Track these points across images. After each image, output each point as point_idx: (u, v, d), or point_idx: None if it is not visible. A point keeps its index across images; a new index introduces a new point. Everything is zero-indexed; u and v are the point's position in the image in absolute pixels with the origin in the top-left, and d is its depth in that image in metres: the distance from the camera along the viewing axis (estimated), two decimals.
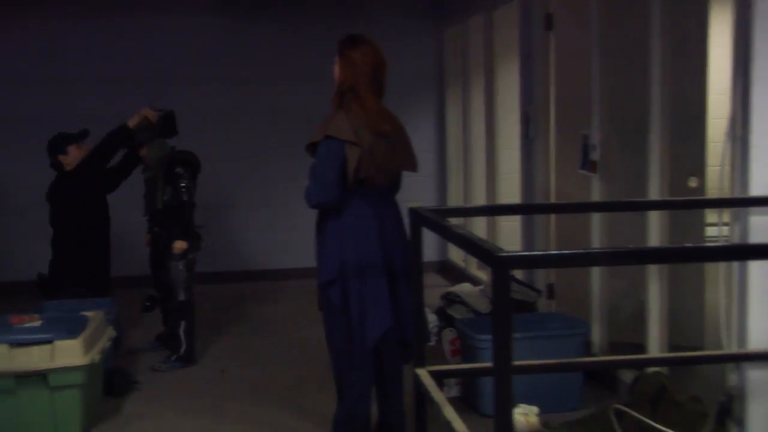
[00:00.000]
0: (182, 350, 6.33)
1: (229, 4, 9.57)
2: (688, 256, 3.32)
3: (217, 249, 8.96)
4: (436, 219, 2.92)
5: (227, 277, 9.45)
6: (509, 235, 7.66)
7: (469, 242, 2.49)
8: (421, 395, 3.33)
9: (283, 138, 9.08)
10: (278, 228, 9.57)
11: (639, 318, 5.28)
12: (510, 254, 2.27)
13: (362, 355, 4.37)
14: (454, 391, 5.34)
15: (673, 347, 5.12)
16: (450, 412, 2.99)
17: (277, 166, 9.40)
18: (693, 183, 5.65)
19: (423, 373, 3.33)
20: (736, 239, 4.21)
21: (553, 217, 6.53)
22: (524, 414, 4.73)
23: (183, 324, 6.32)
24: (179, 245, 6.20)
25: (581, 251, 2.74)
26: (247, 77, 9.49)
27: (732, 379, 4.25)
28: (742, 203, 4.09)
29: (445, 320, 6.13)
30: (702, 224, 5.97)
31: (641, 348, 5.19)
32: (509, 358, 2.26)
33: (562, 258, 2.52)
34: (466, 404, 5.18)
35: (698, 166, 5.72)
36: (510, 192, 7.55)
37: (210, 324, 7.37)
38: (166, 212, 6.31)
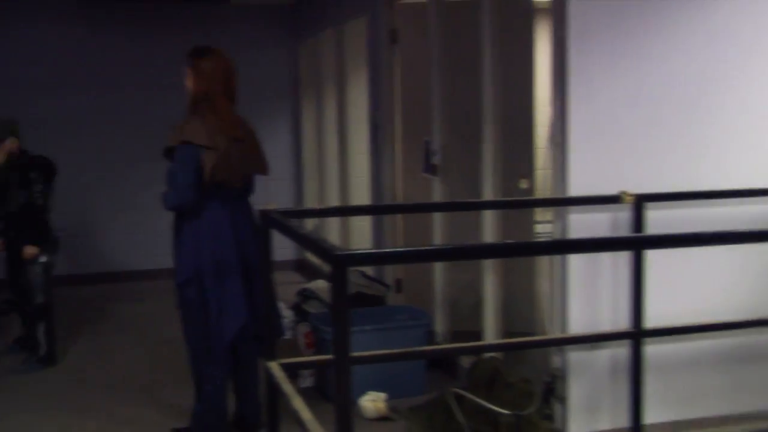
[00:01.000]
0: (42, 352, 6.16)
1: (84, 12, 9.33)
2: (512, 251, 3.51)
3: (79, 252, 8.77)
4: (282, 220, 2.98)
5: (89, 278, 9.22)
6: (362, 235, 7.79)
7: (310, 242, 2.57)
8: (273, 387, 3.39)
9: (143, 143, 8.93)
10: (140, 230, 9.41)
11: (477, 308, 5.47)
12: (345, 252, 2.37)
13: (219, 350, 4.39)
14: (308, 382, 5.41)
15: (507, 334, 5.30)
16: (298, 402, 3.05)
17: (138, 169, 9.22)
18: (524, 185, 5.90)
19: (274, 366, 3.38)
20: (557, 235, 4.44)
21: (400, 216, 6.69)
22: (373, 400, 4.86)
23: (42, 326, 6.16)
24: (30, 251, 6.04)
25: (410, 249, 2.84)
26: (108, 84, 9.29)
27: (555, 361, 4.49)
28: (562, 203, 4.33)
29: (301, 315, 6.19)
30: (532, 222, 6.26)
31: (479, 336, 5.38)
32: (347, 350, 2.34)
33: (393, 255, 2.64)
34: (319, 393, 5.26)
35: (528, 170, 5.98)
36: (361, 194, 7.67)
37: (71, 325, 7.19)
38: (20, 216, 6.13)
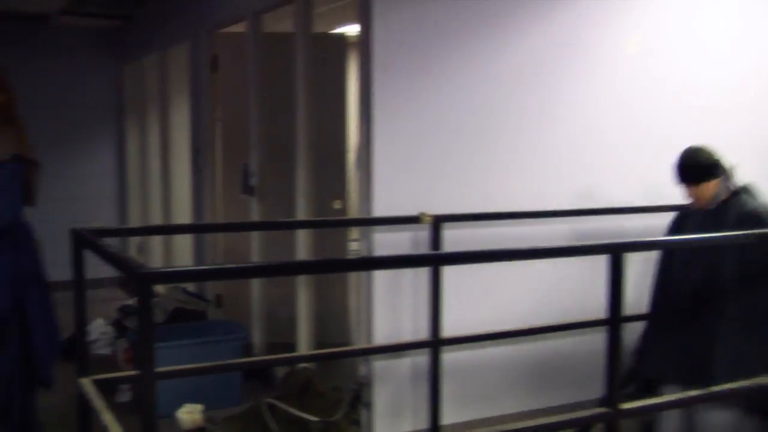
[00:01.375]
0: None
1: None
2: (304, 268, 3.62)
3: None
4: (91, 239, 2.93)
5: None
6: (185, 253, 7.69)
7: (117, 260, 2.55)
8: (84, 403, 3.30)
9: None
10: None
11: (293, 322, 5.52)
12: (149, 271, 2.37)
13: None
14: (127, 396, 5.29)
15: (321, 345, 5.39)
16: (108, 417, 2.98)
17: None
18: (338, 205, 6.05)
19: (86, 382, 3.30)
20: (363, 253, 4.57)
21: (221, 235, 6.67)
22: (189, 412, 4.80)
23: None
24: None
25: (207, 267, 2.89)
26: None
27: (362, 369, 4.60)
28: (367, 223, 4.46)
29: (121, 331, 6.05)
30: (346, 240, 6.40)
31: (294, 347, 5.44)
32: (152, 365, 2.33)
33: (193, 273, 2.66)
34: (137, 407, 5.15)
35: (341, 191, 6.12)
36: (184, 213, 7.59)
37: None
38: None
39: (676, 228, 4.27)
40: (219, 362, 4.17)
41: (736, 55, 5.48)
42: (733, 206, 3.94)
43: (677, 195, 5.09)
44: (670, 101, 5.21)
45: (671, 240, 3.95)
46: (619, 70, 5.01)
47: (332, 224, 4.82)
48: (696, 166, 3.93)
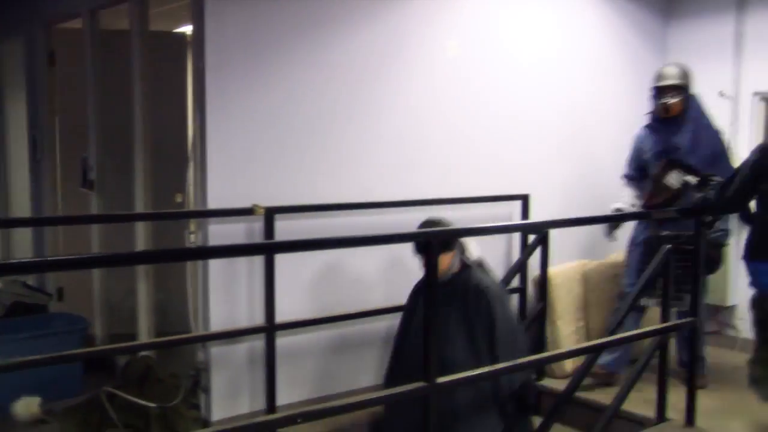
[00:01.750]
0: None
1: None
2: (135, 259, 3.57)
3: None
4: None
5: None
6: (25, 247, 7.35)
7: None
8: None
9: None
10: None
11: (134, 312, 5.41)
12: None
13: None
14: None
15: (162, 335, 5.30)
16: None
17: None
18: (179, 198, 5.93)
19: None
20: (199, 243, 4.54)
21: (61, 228, 6.42)
22: (26, 404, 4.64)
23: None
24: None
25: (43, 259, 2.80)
26: None
27: (200, 355, 4.57)
28: (202, 215, 4.43)
29: None
30: (188, 233, 6.29)
31: (135, 337, 5.33)
32: None
33: (29, 265, 2.58)
34: None
35: (182, 185, 6.01)
36: (23, 207, 7.25)
37: None
38: None
39: (414, 297, 4.34)
40: (56, 353, 4.04)
41: (546, 62, 5.80)
42: (464, 279, 4.06)
43: (493, 188, 5.38)
44: (484, 104, 5.45)
45: (478, 228, 4.08)
46: (439, 73, 5.18)
47: (168, 216, 4.75)
48: None
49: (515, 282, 5.41)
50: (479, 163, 5.43)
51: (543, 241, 5.24)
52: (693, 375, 4.56)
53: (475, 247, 4.15)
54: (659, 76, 4.94)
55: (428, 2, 5.09)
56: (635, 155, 5.17)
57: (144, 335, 5.24)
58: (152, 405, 4.32)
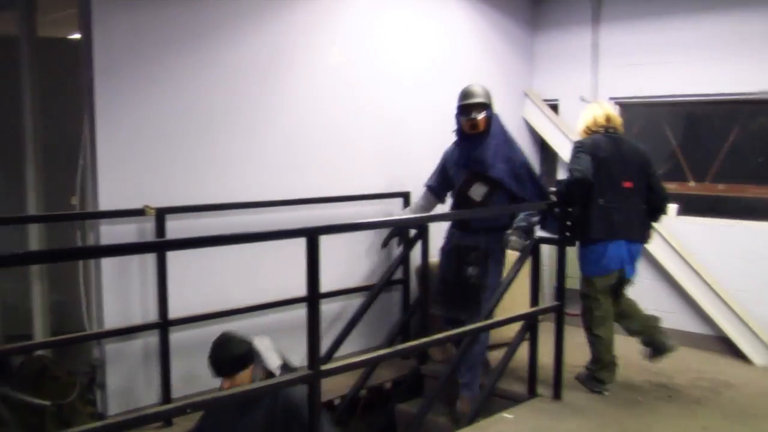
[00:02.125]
0: None
1: None
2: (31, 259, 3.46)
3: None
4: None
5: None
6: None
7: None
8: None
9: None
10: None
11: (29, 313, 5.23)
12: None
13: None
14: None
15: (58, 334, 5.14)
16: None
17: None
18: (74, 201, 5.77)
19: None
20: (92, 243, 4.44)
21: None
22: None
23: None
24: None
25: None
26: None
27: (95, 353, 4.48)
28: (93, 216, 4.34)
29: None
30: (84, 234, 6.13)
31: (32, 338, 5.16)
32: None
33: None
34: None
35: (76, 187, 5.84)
36: None
37: None
38: None
39: None
40: None
41: (424, 69, 5.93)
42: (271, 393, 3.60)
43: (372, 186, 5.47)
44: (367, 107, 5.53)
45: (362, 223, 4.15)
46: (323, 79, 5.24)
47: (59, 218, 4.62)
48: (229, 360, 3.59)
49: (398, 274, 5.51)
50: (363, 162, 5.52)
51: (422, 235, 5.37)
52: (559, 353, 4.75)
53: (271, 353, 3.73)
54: (466, 95, 4.85)
55: (311, 12, 5.13)
56: (441, 168, 5.11)
57: (39, 335, 5.08)
58: (46, 403, 4.20)
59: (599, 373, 4.91)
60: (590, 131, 4.94)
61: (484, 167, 4.81)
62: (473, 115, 4.77)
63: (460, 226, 4.96)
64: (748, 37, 5.71)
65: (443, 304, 4.98)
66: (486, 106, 4.81)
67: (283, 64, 5.01)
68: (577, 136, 5.12)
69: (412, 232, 5.42)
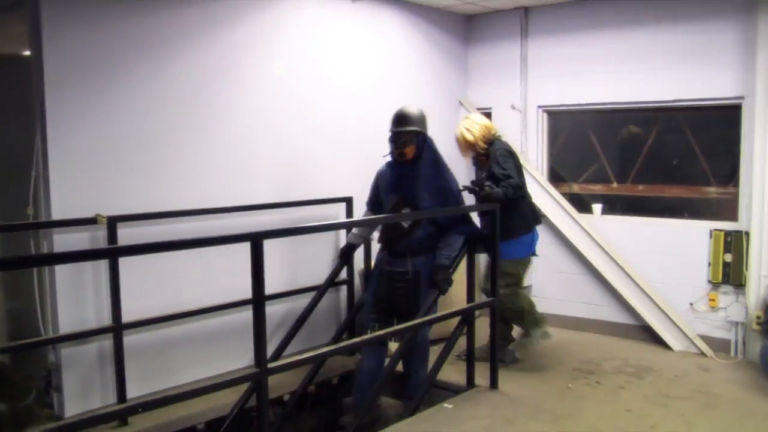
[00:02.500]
0: None
1: None
2: None
3: None
4: None
5: None
6: None
7: None
8: None
9: None
10: None
11: None
12: None
13: None
14: None
15: (15, 339, 5.05)
16: None
17: None
18: (30, 211, 5.66)
19: None
20: (45, 251, 4.37)
21: None
22: None
23: None
24: None
25: None
26: None
27: (51, 357, 4.41)
28: (46, 225, 4.28)
29: None
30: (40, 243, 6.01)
31: None
32: None
33: None
34: None
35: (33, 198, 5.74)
36: None
37: None
38: None
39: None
40: None
41: (364, 82, 5.97)
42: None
43: (315, 192, 5.49)
44: (310, 118, 5.55)
45: (306, 227, 4.17)
46: (268, 90, 5.24)
47: (14, 228, 4.52)
48: None
49: (343, 274, 5.54)
50: (307, 170, 5.54)
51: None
52: (494, 346, 4.83)
53: None
54: (396, 121, 4.66)
55: (255, 26, 5.13)
56: (375, 187, 4.91)
57: None
58: (2, 406, 4.12)
59: (534, 329, 5.27)
60: (487, 139, 5.19)
61: (412, 197, 4.64)
62: (401, 143, 4.59)
63: (388, 250, 4.77)
64: (663, 51, 5.89)
65: (377, 320, 4.71)
66: (416, 133, 4.60)
67: (229, 76, 5.00)
68: (480, 142, 5.23)
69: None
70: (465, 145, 5.26)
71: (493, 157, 5.12)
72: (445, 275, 4.55)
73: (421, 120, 4.68)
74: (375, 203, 4.94)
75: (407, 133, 4.61)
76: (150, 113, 4.59)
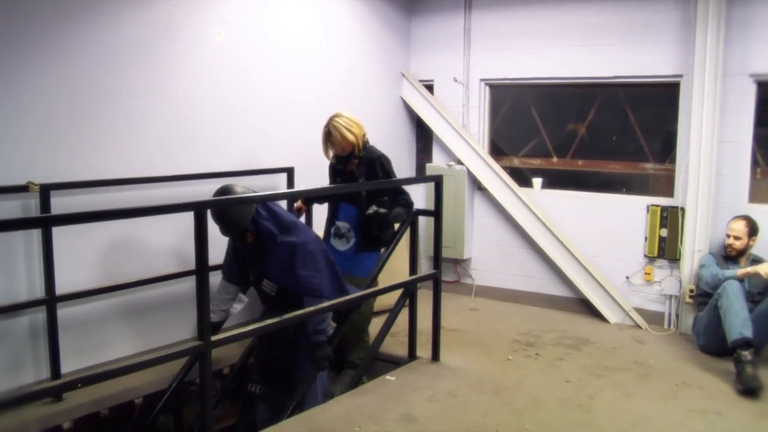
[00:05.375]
0: None
1: None
2: None
3: None
4: None
5: None
6: None
7: None
8: None
9: None
10: None
11: None
12: None
13: None
14: None
15: None
16: None
17: None
18: None
19: None
20: None
21: None
22: None
23: None
24: None
25: None
26: None
27: None
28: None
29: None
30: None
31: None
32: None
33: None
34: None
35: None
36: None
37: None
38: None
39: None
40: None
41: (307, 50, 5.87)
42: None
43: (266, 161, 5.40)
44: (254, 85, 5.44)
45: (244, 197, 4.05)
46: (210, 56, 5.09)
47: None
48: None
49: None
50: (250, 138, 5.43)
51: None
52: (436, 318, 4.85)
53: None
54: (222, 228, 4.08)
55: None
56: (231, 253, 4.44)
57: None
58: None
59: (357, 362, 4.92)
60: (364, 140, 4.79)
61: (264, 274, 4.29)
62: (240, 240, 4.18)
63: (266, 306, 4.48)
64: (606, 28, 5.96)
65: (260, 381, 4.51)
66: (243, 227, 4.06)
67: (169, 41, 4.83)
68: (360, 143, 4.79)
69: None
70: (344, 145, 4.72)
71: (375, 163, 4.76)
72: (325, 352, 4.23)
73: (237, 213, 4.02)
74: (234, 273, 4.43)
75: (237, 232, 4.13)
76: (85, 78, 4.40)
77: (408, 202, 4.84)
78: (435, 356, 4.87)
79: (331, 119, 4.77)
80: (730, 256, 5.28)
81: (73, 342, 4.40)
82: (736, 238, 5.24)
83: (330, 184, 5.04)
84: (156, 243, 4.81)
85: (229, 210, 4.00)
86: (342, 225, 4.89)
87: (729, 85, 5.43)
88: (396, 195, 4.81)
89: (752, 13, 5.34)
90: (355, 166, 4.80)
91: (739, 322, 4.64)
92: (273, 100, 5.59)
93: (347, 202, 4.85)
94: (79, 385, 3.00)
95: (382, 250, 4.87)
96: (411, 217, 4.83)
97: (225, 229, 4.09)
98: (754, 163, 5.54)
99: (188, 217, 3.20)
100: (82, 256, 4.45)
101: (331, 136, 4.75)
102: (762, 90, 5.45)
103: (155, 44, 4.75)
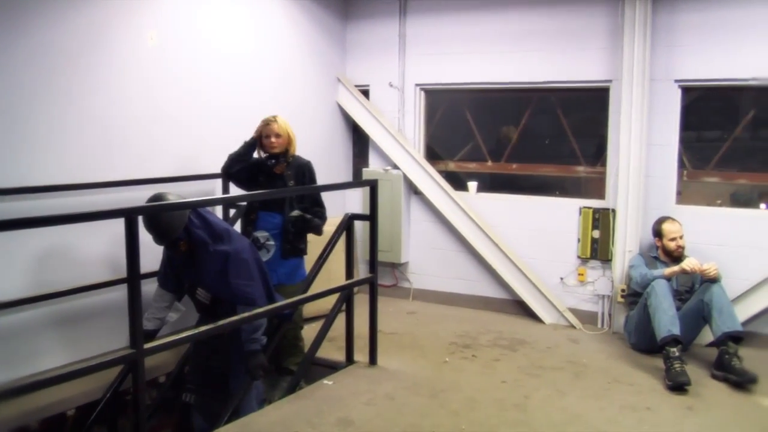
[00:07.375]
0: None
1: None
2: None
3: None
4: None
5: None
6: None
7: None
8: None
9: None
10: None
11: None
12: None
13: None
14: None
15: None
16: None
17: None
18: None
19: None
20: None
21: None
22: None
23: None
24: None
25: None
26: None
27: None
28: None
29: None
30: None
31: None
32: None
33: None
34: None
35: None
36: None
37: None
38: None
39: None
40: None
41: (242, 54, 5.85)
42: None
43: (201, 167, 5.36)
44: (188, 90, 5.39)
45: (177, 203, 4.02)
46: (143, 61, 5.03)
47: None
48: None
49: None
50: (185, 144, 5.38)
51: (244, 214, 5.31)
52: (373, 322, 4.89)
53: None
54: (156, 238, 4.09)
55: None
56: (167, 263, 4.47)
57: None
58: None
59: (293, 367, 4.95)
60: (294, 146, 4.89)
61: (198, 283, 4.31)
62: (175, 250, 4.18)
63: (201, 314, 4.48)
64: (538, 34, 6.11)
65: (195, 391, 4.51)
66: (176, 235, 4.07)
67: (102, 44, 4.75)
68: (291, 139, 4.89)
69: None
70: (286, 142, 4.83)
71: (304, 169, 4.89)
72: (259, 361, 4.22)
73: (170, 221, 4.01)
74: (170, 281, 4.43)
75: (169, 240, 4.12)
76: (12, 81, 4.29)
77: (324, 216, 4.94)
78: (372, 360, 4.91)
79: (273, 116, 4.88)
80: (678, 257, 5.37)
81: (1, 352, 4.28)
82: (681, 237, 5.41)
83: (248, 182, 4.93)
84: (89, 251, 4.72)
85: (161, 218, 3.97)
86: (261, 235, 4.86)
87: (656, 90, 5.64)
88: (315, 206, 4.90)
89: (677, 20, 5.55)
90: (284, 169, 4.83)
91: (667, 320, 4.81)
92: (207, 104, 5.55)
93: (269, 210, 4.85)
94: (8, 396, 2.94)
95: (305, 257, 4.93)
96: (347, 221, 4.86)
97: (157, 237, 4.06)
98: (681, 166, 5.75)
99: (122, 224, 3.17)
100: (11, 265, 4.34)
101: (273, 123, 4.81)
102: (687, 95, 5.67)
103: (86, 47, 4.66)
